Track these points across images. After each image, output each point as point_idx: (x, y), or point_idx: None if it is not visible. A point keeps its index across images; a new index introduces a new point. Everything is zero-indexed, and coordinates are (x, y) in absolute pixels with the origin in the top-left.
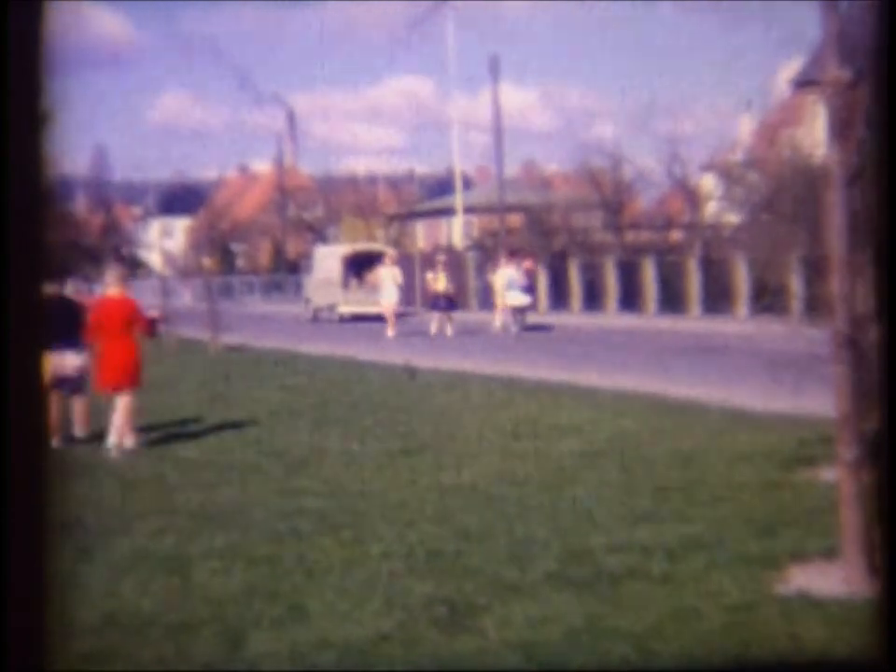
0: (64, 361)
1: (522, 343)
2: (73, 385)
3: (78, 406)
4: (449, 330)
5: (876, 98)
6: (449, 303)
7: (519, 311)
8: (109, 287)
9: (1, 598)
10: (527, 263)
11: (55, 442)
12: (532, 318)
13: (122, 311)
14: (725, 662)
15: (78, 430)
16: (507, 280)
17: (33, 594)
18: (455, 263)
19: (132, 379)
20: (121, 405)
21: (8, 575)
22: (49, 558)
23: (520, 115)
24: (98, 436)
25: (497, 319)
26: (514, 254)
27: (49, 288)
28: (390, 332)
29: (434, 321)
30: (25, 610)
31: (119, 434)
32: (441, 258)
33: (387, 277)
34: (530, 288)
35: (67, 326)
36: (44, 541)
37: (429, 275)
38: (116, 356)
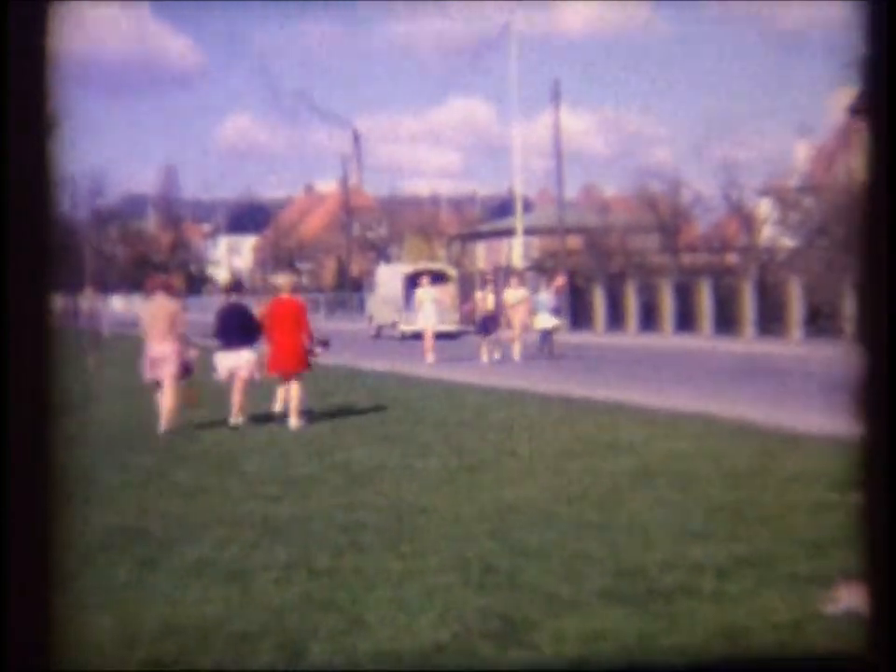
0: (240, 357)
1: (576, 364)
2: (245, 375)
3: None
4: (497, 354)
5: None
6: (494, 324)
7: (547, 334)
8: (282, 290)
9: (1, 597)
10: (558, 283)
11: (234, 420)
12: (588, 339)
13: (293, 309)
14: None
15: (238, 417)
16: (537, 301)
17: (34, 592)
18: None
19: (300, 366)
20: (293, 389)
21: (9, 574)
22: (52, 558)
23: (579, 139)
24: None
25: (516, 345)
26: (520, 275)
27: (228, 298)
28: (429, 358)
29: (483, 346)
30: (26, 610)
31: (285, 412)
32: (490, 276)
33: (426, 298)
34: (559, 310)
35: (240, 328)
36: (48, 542)
37: (478, 294)
38: (287, 346)
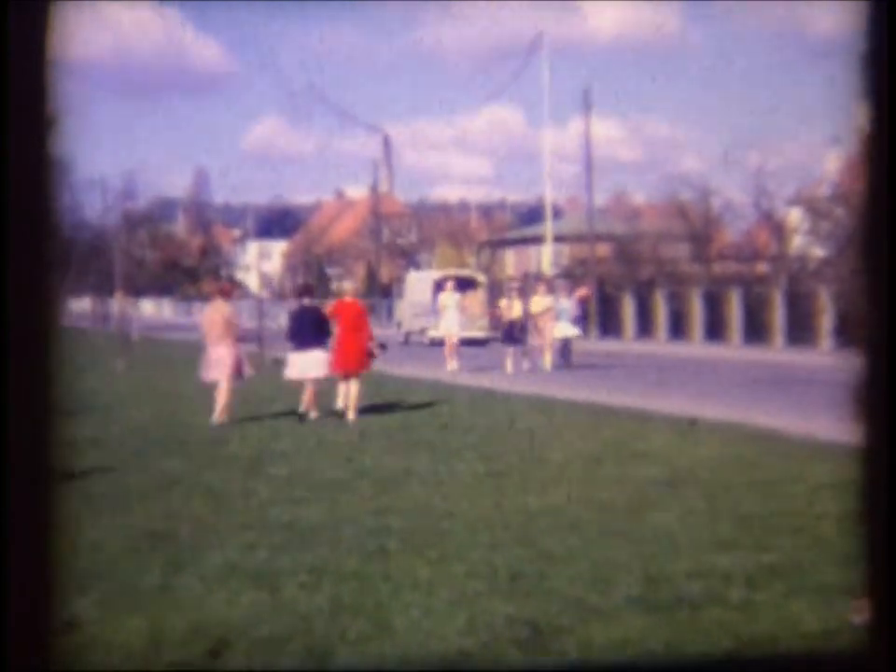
0: (314, 357)
1: (605, 372)
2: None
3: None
4: (525, 365)
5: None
6: (521, 333)
7: (565, 343)
8: (346, 294)
9: (1, 597)
10: (581, 292)
11: (314, 415)
12: (617, 346)
13: (356, 312)
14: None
15: (311, 411)
16: (557, 310)
17: (34, 591)
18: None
19: (361, 365)
20: (352, 387)
21: (9, 574)
22: (53, 557)
23: (609, 146)
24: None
25: (546, 354)
26: (548, 282)
27: (300, 301)
28: (450, 365)
29: (509, 356)
30: (26, 610)
31: (346, 408)
32: (516, 284)
33: (450, 304)
34: (581, 319)
35: (313, 330)
36: (49, 542)
37: (503, 302)
38: (350, 346)
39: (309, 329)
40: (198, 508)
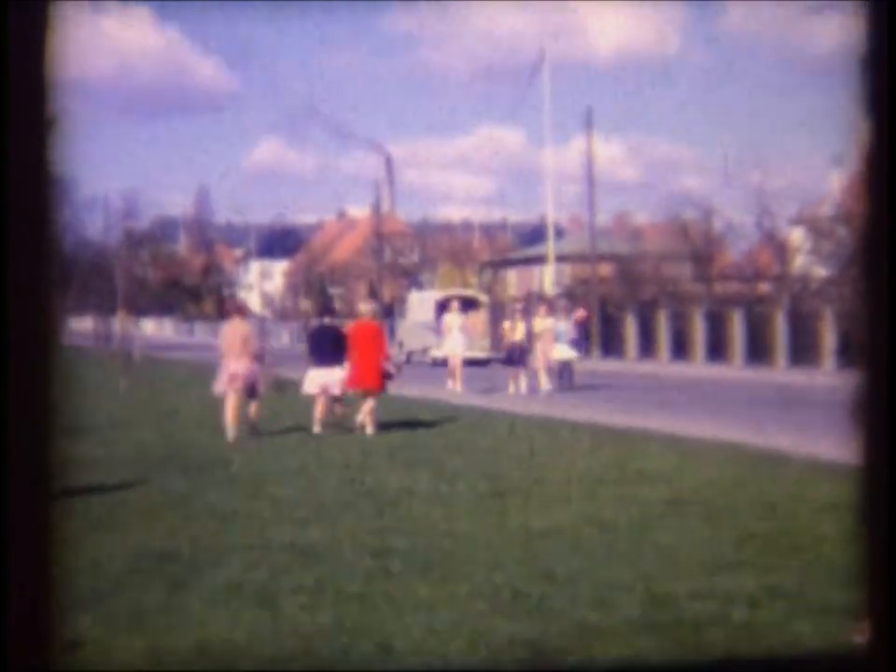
0: (332, 374)
1: (607, 392)
2: (337, 392)
3: (338, 408)
4: (523, 386)
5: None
6: (523, 355)
7: (565, 366)
8: (364, 315)
9: (2, 597)
10: (579, 314)
11: (317, 429)
12: (619, 366)
13: (373, 333)
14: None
15: (315, 426)
16: (555, 332)
17: (36, 608)
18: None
19: (377, 384)
20: (367, 402)
21: (9, 574)
22: (54, 575)
23: (610, 166)
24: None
25: (541, 375)
26: (549, 303)
27: (321, 320)
28: (452, 384)
29: (512, 377)
30: (28, 625)
31: (362, 423)
32: (520, 305)
33: (454, 324)
34: (579, 342)
35: (332, 348)
36: (48, 544)
37: (506, 324)
38: (366, 365)
39: (329, 347)
40: (200, 527)
